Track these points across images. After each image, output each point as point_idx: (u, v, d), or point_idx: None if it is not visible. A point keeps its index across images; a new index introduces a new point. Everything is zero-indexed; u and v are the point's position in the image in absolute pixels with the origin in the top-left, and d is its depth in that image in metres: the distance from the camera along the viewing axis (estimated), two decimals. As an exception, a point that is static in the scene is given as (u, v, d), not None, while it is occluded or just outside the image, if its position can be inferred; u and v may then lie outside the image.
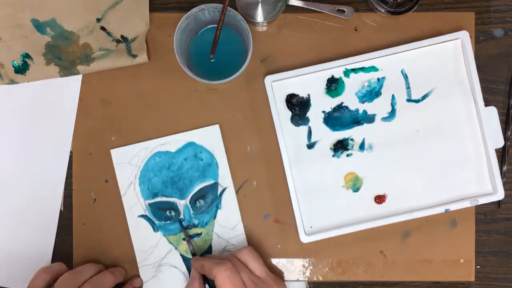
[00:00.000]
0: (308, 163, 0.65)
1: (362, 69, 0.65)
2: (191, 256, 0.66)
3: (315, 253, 0.67)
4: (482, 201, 0.64)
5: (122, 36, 0.66)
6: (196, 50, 0.65)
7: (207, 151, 0.66)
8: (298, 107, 0.66)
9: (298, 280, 0.67)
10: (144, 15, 0.66)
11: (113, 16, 0.66)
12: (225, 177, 0.66)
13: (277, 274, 0.66)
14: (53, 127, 0.67)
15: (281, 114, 0.65)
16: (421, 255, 0.67)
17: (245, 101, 0.67)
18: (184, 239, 0.66)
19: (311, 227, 0.65)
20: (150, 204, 0.66)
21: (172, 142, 0.66)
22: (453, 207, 0.64)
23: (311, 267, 0.67)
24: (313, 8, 0.66)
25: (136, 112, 0.67)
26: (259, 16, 0.65)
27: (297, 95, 0.66)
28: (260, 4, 0.65)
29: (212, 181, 0.66)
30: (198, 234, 0.66)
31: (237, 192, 0.67)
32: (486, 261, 0.67)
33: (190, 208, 0.66)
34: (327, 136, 0.66)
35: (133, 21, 0.66)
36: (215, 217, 0.66)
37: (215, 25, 0.64)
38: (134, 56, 0.65)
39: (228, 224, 0.66)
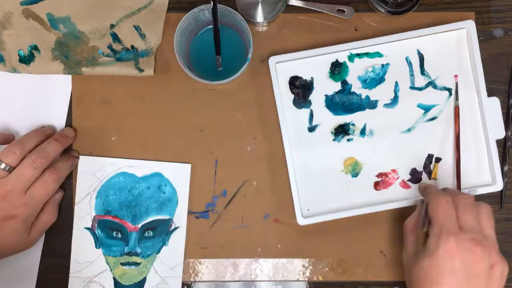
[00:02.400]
0: (308, 146, 0.66)
1: (367, 54, 0.66)
2: (124, 283, 0.65)
3: (315, 253, 0.67)
4: (481, 191, 0.64)
5: (132, 46, 0.66)
6: (197, 51, 0.65)
7: (172, 186, 0.66)
8: (301, 89, 0.66)
9: (298, 280, 0.67)
10: (158, 30, 0.66)
11: (127, 25, 0.66)
12: (180, 216, 0.66)
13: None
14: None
15: (283, 96, 0.65)
16: (421, 255, 0.67)
17: (245, 101, 0.67)
18: (122, 263, 0.65)
19: (308, 210, 0.65)
20: (100, 220, 0.66)
21: (141, 167, 0.66)
22: None
23: (311, 267, 0.67)
24: (313, 8, 0.66)
25: (136, 112, 0.67)
26: (259, 16, 0.65)
27: (301, 78, 0.66)
28: (260, 4, 0.65)
29: (167, 217, 0.66)
30: (137, 264, 0.65)
31: (237, 192, 0.67)
32: (486, 261, 0.67)
33: (138, 236, 0.66)
34: (328, 120, 0.66)
35: (146, 34, 0.66)
36: (158, 252, 0.66)
37: None
38: (141, 70, 0.65)
39: (169, 263, 0.66)
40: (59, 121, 0.67)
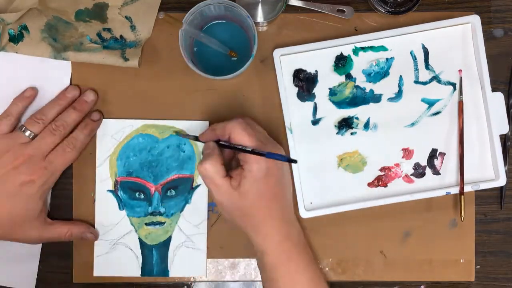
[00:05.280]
0: (311, 139, 0.66)
1: (372, 48, 0.66)
2: (150, 243, 0.66)
3: (315, 253, 0.67)
4: (484, 186, 0.64)
5: (121, 36, 0.66)
6: (202, 45, 0.65)
7: (190, 144, 0.66)
8: (305, 82, 0.66)
9: (298, 280, 0.67)
10: (149, 23, 0.66)
11: (119, 15, 0.66)
12: None
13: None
14: None
15: (287, 89, 0.66)
16: (421, 255, 0.67)
17: (246, 101, 0.67)
18: (146, 223, 0.66)
19: (311, 203, 0.65)
20: (122, 182, 0.66)
21: (159, 127, 0.66)
22: (454, 190, 0.64)
23: (311, 267, 0.67)
24: (313, 8, 0.66)
25: (136, 112, 0.67)
26: (259, 16, 0.65)
27: (305, 71, 0.66)
28: (260, 4, 0.65)
29: (188, 174, 0.66)
30: (161, 223, 0.66)
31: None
32: (486, 261, 0.67)
33: (160, 196, 0.66)
34: (332, 113, 0.66)
35: (137, 26, 0.66)
36: (182, 210, 0.66)
37: (221, 21, 0.65)
38: (126, 59, 0.65)
39: (193, 221, 0.66)
40: None
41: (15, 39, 0.65)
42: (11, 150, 0.61)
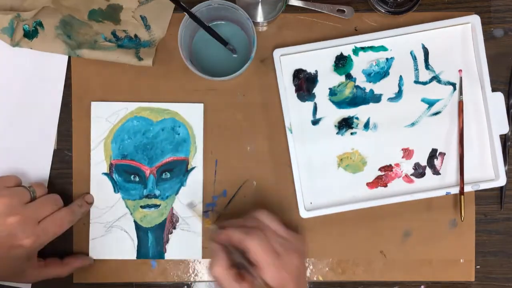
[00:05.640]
0: (311, 139, 0.66)
1: (372, 48, 0.66)
2: (145, 225, 0.66)
3: (315, 253, 0.67)
4: (484, 186, 0.64)
5: (135, 35, 0.66)
6: (200, 46, 0.65)
7: (185, 127, 0.66)
8: (305, 82, 0.66)
9: (298, 280, 0.67)
10: (164, 23, 0.66)
11: (132, 18, 0.66)
12: (196, 156, 0.66)
13: (294, 229, 0.62)
14: (37, 121, 0.67)
15: (287, 89, 0.66)
16: (421, 255, 0.67)
17: (245, 100, 0.67)
18: (142, 206, 0.66)
19: (311, 203, 0.65)
20: (117, 165, 0.66)
21: (153, 110, 0.66)
22: (454, 190, 0.64)
23: (311, 267, 0.67)
24: (313, 8, 0.66)
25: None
26: (259, 16, 0.65)
27: (305, 71, 0.66)
28: (260, 4, 0.65)
29: (183, 157, 0.66)
30: (157, 206, 0.66)
31: (237, 192, 0.67)
32: (486, 261, 0.67)
33: (155, 178, 0.66)
34: (332, 113, 0.66)
35: (152, 26, 0.66)
36: (177, 193, 0.66)
37: (221, 22, 0.65)
38: (140, 58, 0.65)
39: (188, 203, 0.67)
40: (55, 100, 0.67)
41: (30, 35, 0.65)
42: (10, 204, 0.58)
